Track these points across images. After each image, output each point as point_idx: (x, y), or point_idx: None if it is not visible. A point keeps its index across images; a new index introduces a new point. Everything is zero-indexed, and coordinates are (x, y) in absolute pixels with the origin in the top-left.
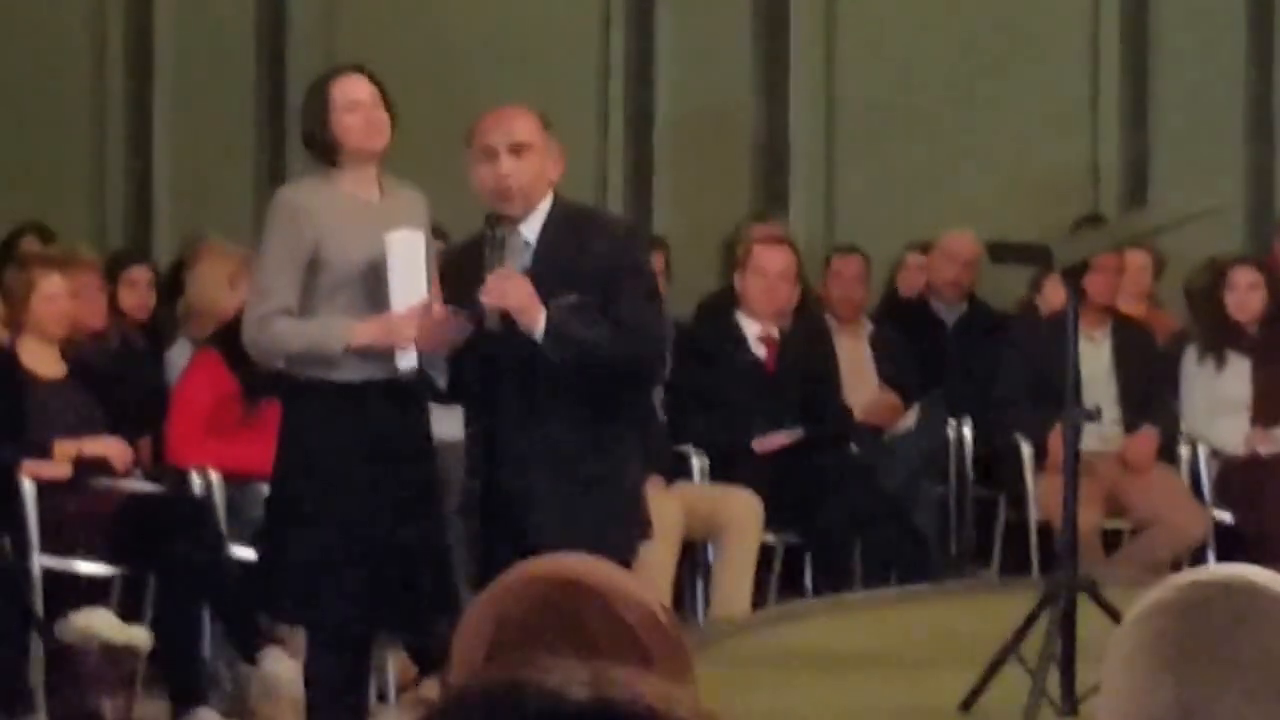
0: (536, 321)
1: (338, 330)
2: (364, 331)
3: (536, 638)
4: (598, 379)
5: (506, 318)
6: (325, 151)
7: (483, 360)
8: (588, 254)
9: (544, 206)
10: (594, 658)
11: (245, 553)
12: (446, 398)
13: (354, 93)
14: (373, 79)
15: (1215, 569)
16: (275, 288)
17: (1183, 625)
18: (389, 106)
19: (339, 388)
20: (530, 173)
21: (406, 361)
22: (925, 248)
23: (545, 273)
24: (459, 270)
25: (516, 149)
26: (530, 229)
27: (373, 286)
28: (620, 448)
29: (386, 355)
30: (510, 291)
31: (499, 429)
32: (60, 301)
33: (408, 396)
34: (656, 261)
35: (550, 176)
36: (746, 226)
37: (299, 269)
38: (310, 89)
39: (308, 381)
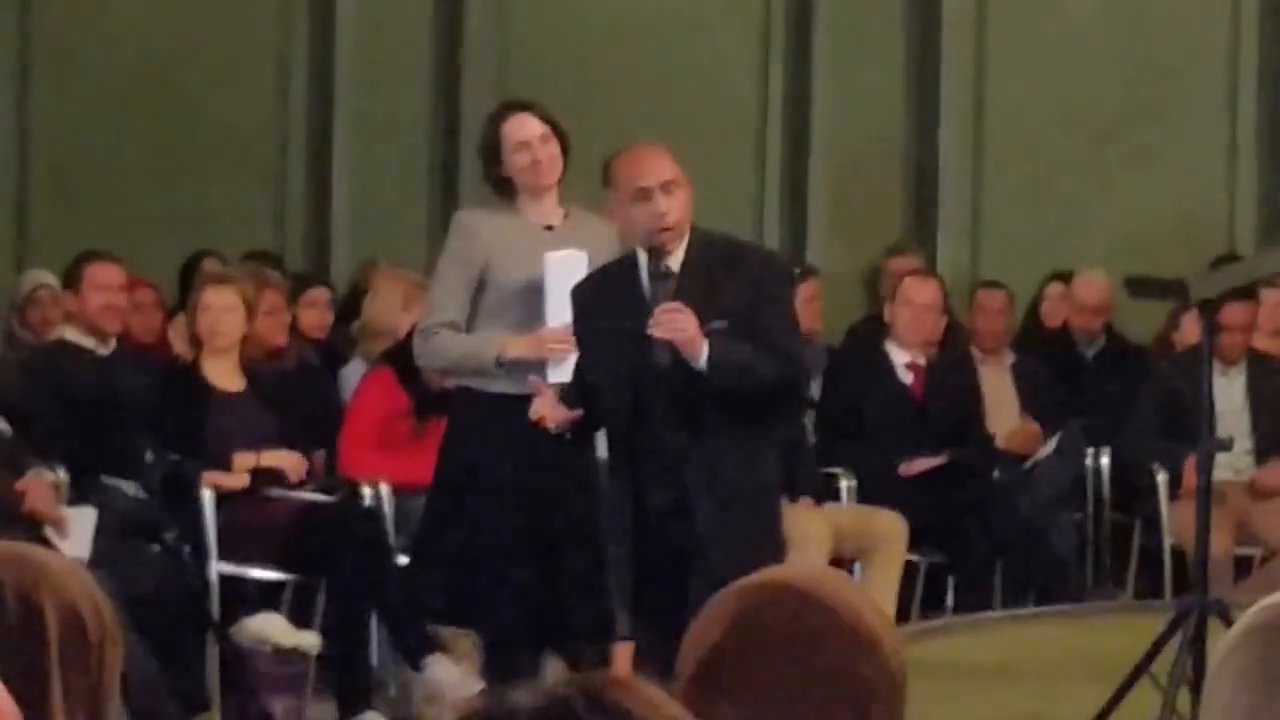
0: (701, 352)
1: (493, 343)
2: (516, 345)
3: (764, 644)
4: (750, 402)
5: (673, 348)
6: (500, 187)
7: (638, 386)
8: (732, 282)
9: (685, 237)
10: (812, 679)
11: None
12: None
13: (522, 132)
14: (542, 114)
15: None
16: (444, 303)
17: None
18: (562, 138)
19: (498, 398)
20: (683, 207)
21: (558, 375)
22: (1067, 278)
23: (690, 301)
24: (594, 300)
25: (668, 187)
26: (674, 260)
27: (535, 306)
28: (769, 466)
29: (540, 369)
30: (680, 324)
31: (654, 452)
32: (215, 313)
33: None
34: (809, 289)
35: (690, 209)
36: (885, 259)
37: (467, 287)
38: (484, 126)
39: (469, 391)
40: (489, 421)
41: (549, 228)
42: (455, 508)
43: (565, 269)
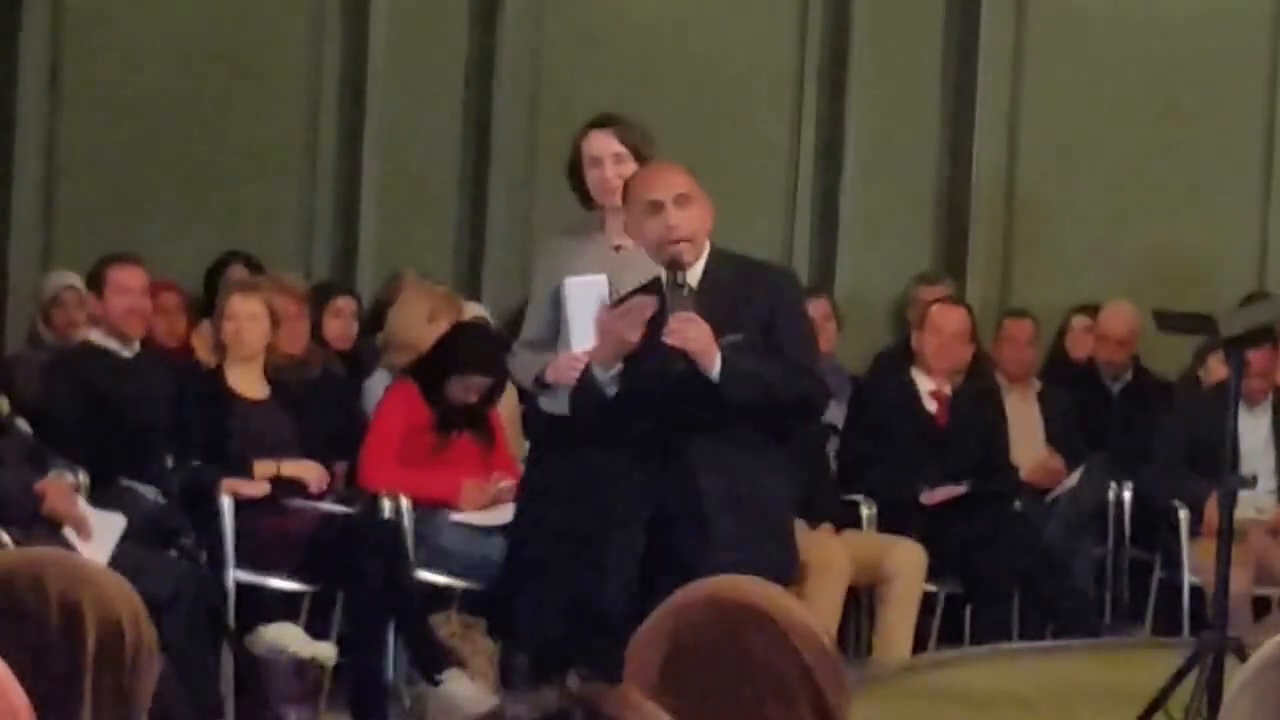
0: (714, 362)
1: (539, 364)
2: (550, 369)
3: (709, 659)
4: (766, 413)
5: (687, 358)
6: (583, 200)
7: (655, 396)
8: (749, 298)
9: (703, 254)
10: (762, 682)
11: (430, 576)
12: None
13: (595, 149)
14: (624, 134)
15: None
16: (528, 324)
17: None
18: (642, 157)
19: (556, 419)
20: (696, 220)
21: (550, 403)
22: (1093, 311)
23: (709, 316)
24: None
25: (681, 200)
26: (693, 275)
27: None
28: (784, 477)
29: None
30: (692, 333)
31: (669, 460)
32: (241, 321)
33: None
34: (821, 308)
35: (708, 225)
36: (916, 287)
37: (544, 307)
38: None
39: (535, 410)
40: (547, 440)
41: (618, 248)
42: (518, 523)
43: (586, 293)
